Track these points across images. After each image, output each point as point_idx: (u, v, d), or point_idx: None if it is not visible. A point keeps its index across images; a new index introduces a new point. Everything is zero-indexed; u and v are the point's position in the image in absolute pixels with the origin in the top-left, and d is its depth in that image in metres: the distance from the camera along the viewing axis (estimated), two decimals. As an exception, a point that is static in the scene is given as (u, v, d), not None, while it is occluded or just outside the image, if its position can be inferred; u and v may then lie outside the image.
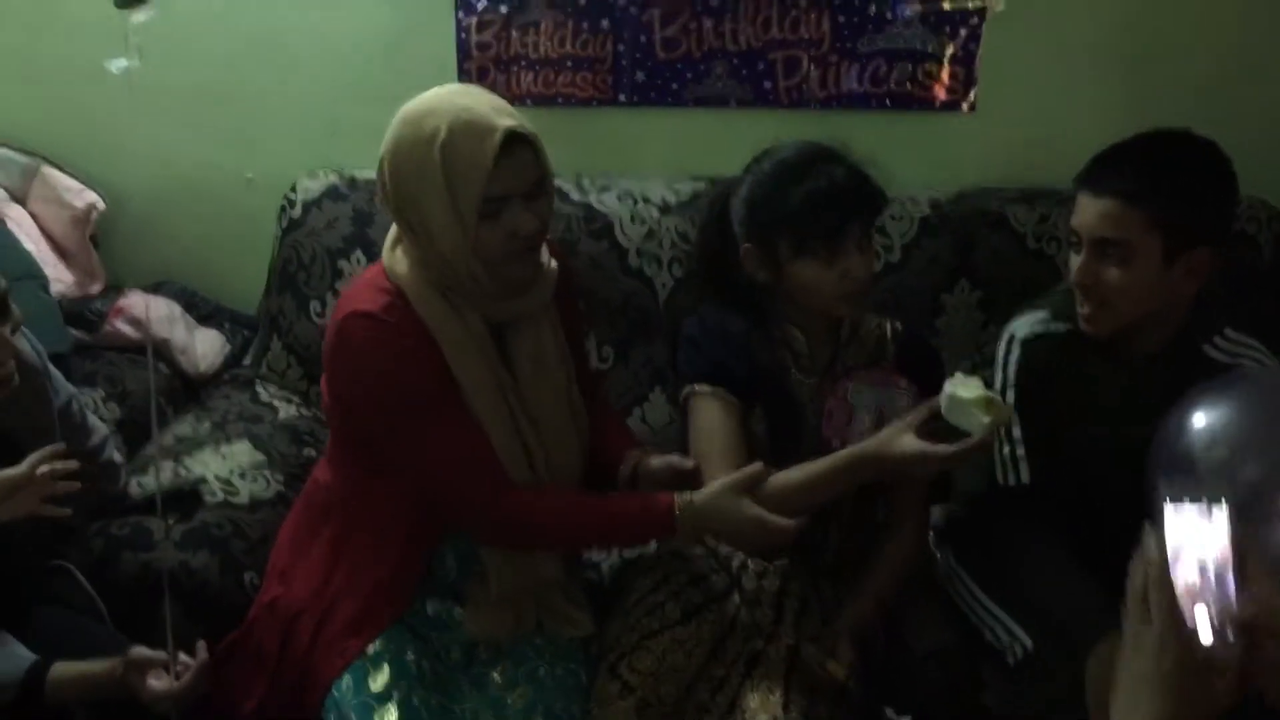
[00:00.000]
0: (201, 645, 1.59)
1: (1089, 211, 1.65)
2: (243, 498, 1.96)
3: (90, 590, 1.74)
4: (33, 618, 1.66)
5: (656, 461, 1.72)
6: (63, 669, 1.54)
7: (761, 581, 1.81)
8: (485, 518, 1.64)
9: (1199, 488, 1.40)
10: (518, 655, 1.71)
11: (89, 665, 1.56)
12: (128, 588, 1.76)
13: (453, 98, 1.57)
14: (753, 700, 1.66)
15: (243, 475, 2.02)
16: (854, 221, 1.67)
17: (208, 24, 2.43)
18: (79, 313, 2.31)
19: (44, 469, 1.50)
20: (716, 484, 1.61)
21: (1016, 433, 1.75)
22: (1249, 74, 2.42)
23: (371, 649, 1.64)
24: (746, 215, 1.74)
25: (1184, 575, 1.11)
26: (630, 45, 2.43)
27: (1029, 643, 1.73)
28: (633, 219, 2.32)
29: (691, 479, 1.67)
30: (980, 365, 2.18)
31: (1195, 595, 1.07)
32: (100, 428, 1.79)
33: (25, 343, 1.61)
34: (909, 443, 1.59)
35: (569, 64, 2.45)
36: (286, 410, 2.28)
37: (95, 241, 2.47)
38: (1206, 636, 1.06)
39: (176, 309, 2.42)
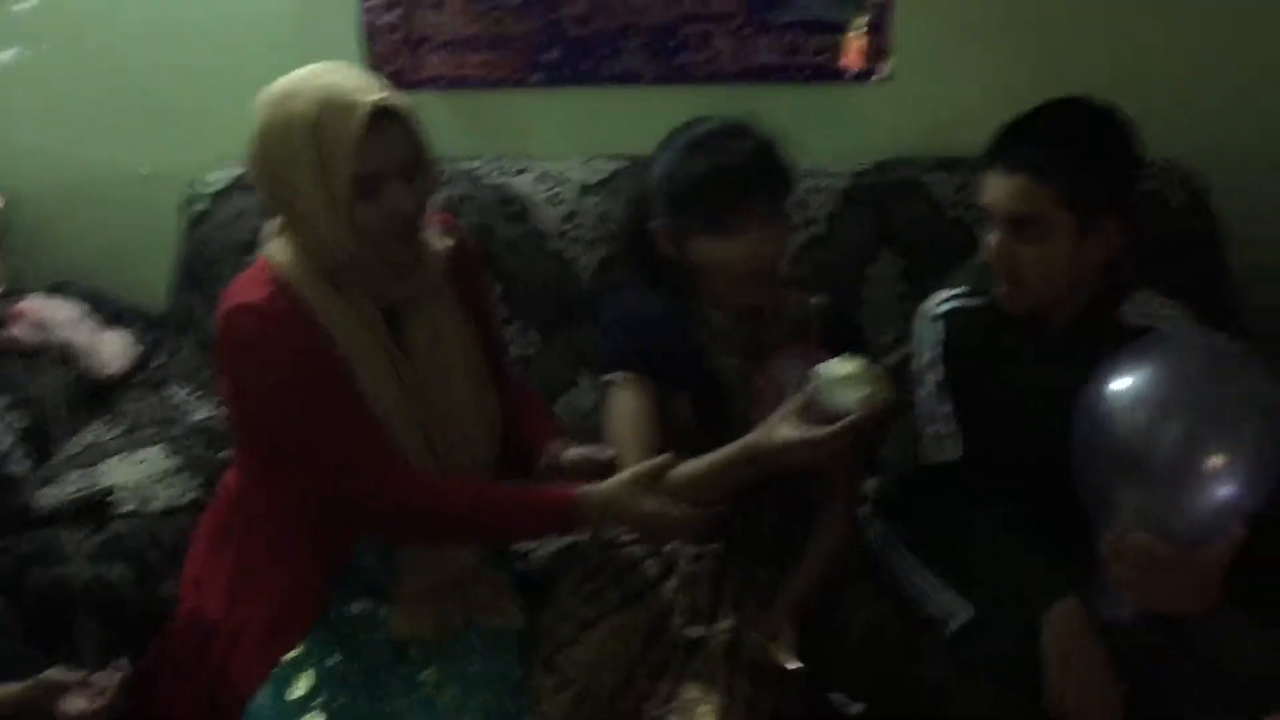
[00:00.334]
0: (122, 662, 1.54)
1: (999, 190, 1.64)
2: (157, 505, 1.90)
3: (-1, 608, 1.68)
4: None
5: (574, 452, 1.69)
6: None
7: (697, 565, 1.79)
8: (379, 511, 1.60)
9: (1122, 454, 1.42)
10: (449, 652, 1.67)
11: (2, 689, 1.49)
12: (38, 604, 1.69)
13: (316, 77, 1.52)
14: (695, 689, 1.65)
15: (157, 482, 1.95)
16: (755, 200, 1.64)
17: (99, 12, 2.34)
18: (-25, 320, 2.23)
19: None
20: (620, 475, 1.59)
21: (943, 409, 1.75)
22: (1156, 35, 2.44)
23: (291, 655, 1.59)
24: (656, 191, 1.72)
25: None
26: (541, 24, 2.39)
27: (970, 610, 1.73)
28: (551, 201, 2.28)
29: (609, 470, 1.63)
30: (904, 339, 2.19)
31: None
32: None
33: None
34: (786, 431, 1.55)
35: (479, 44, 2.40)
36: (201, 412, 2.21)
37: (-8, 244, 2.38)
38: None
39: (79, 311, 2.33)
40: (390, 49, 2.39)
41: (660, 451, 1.62)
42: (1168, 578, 1.40)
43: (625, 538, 1.83)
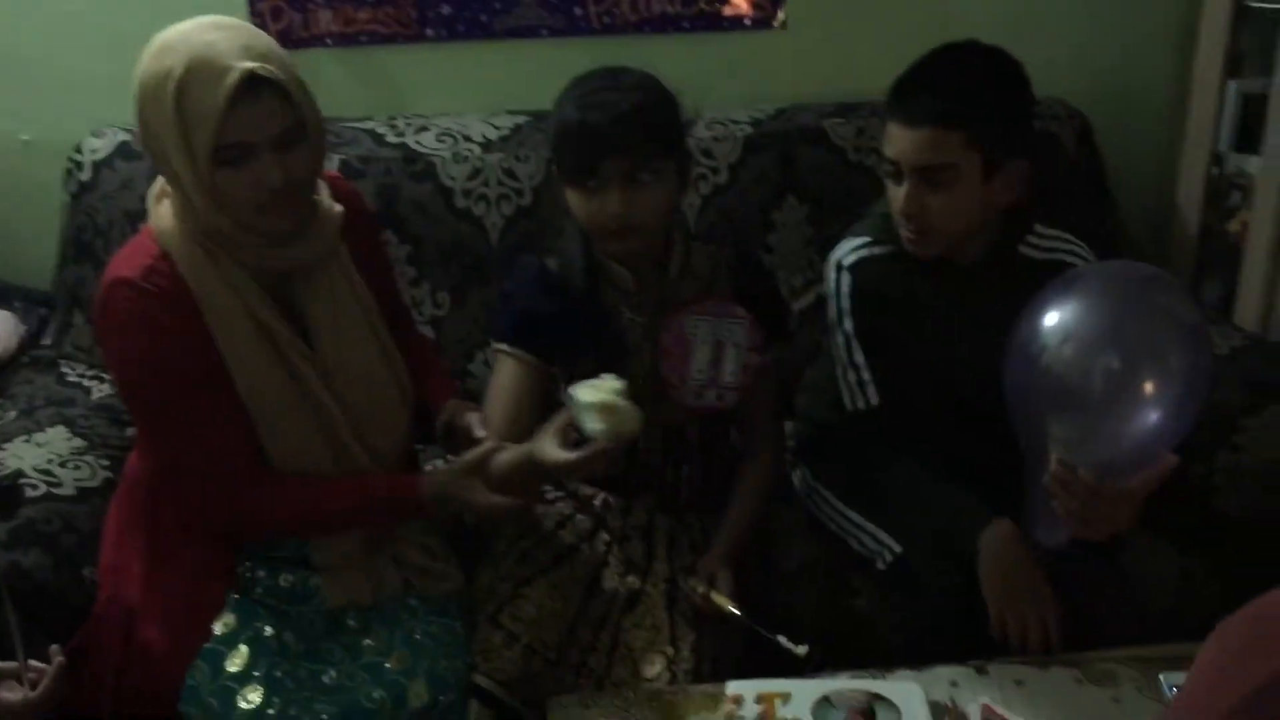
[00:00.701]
0: (55, 649, 1.47)
1: (906, 141, 1.64)
2: (68, 488, 1.81)
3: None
4: None
5: (465, 419, 1.67)
6: None
7: (627, 518, 1.80)
8: (223, 512, 1.58)
9: (1055, 388, 1.46)
10: (388, 618, 1.64)
11: None
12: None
13: (199, 32, 1.44)
14: (639, 639, 1.66)
15: (63, 464, 1.86)
16: (616, 157, 1.60)
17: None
18: None
19: None
20: (454, 464, 1.59)
21: (859, 358, 1.79)
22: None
23: (221, 629, 1.56)
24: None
25: None
26: (430, -23, 2.34)
27: (897, 547, 1.78)
28: (455, 158, 2.24)
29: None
30: (814, 282, 2.23)
31: None
32: None
33: None
34: (549, 448, 1.51)
35: (367, -1, 2.34)
36: (99, 389, 2.11)
37: None
38: None
39: (-45, 292, 2.21)
40: (276, 6, 2.30)
41: (529, 426, 1.59)
42: (1104, 507, 1.46)
43: (552, 495, 1.83)
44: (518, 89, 2.37)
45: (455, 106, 2.35)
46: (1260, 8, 2.35)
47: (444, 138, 2.26)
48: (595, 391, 1.48)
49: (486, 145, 2.26)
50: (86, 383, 2.14)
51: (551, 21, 2.39)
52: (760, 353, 1.76)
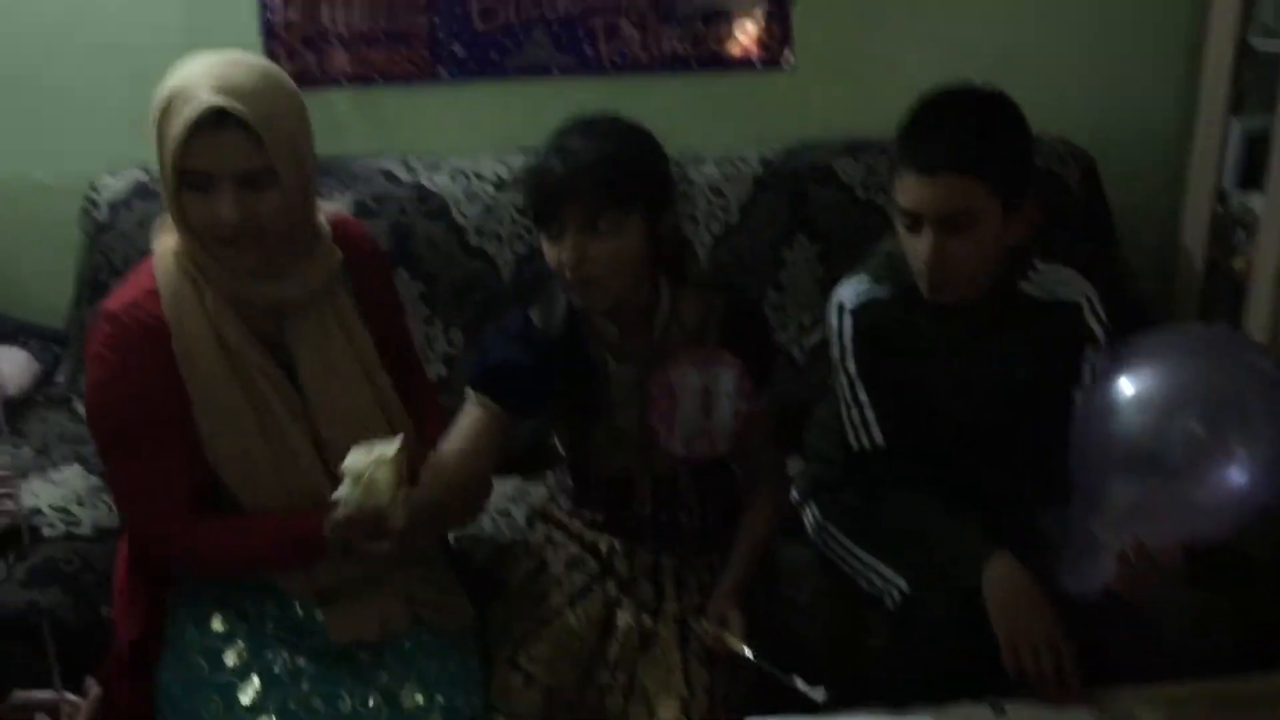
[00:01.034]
0: (90, 681, 1.47)
1: (927, 192, 1.63)
2: (86, 527, 1.82)
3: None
4: None
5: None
6: None
7: (633, 560, 1.81)
8: (159, 549, 1.61)
9: (1130, 451, 1.45)
10: (402, 654, 1.65)
11: None
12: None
13: (198, 64, 1.50)
14: (653, 680, 1.67)
15: (80, 502, 1.87)
16: (565, 205, 1.58)
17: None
18: None
19: None
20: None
21: (863, 397, 1.79)
22: (1041, 16, 2.55)
23: (234, 661, 1.57)
24: None
25: None
26: (446, 17, 2.37)
27: (905, 585, 1.78)
28: (468, 197, 2.26)
29: None
30: (814, 326, 2.24)
31: None
32: None
33: None
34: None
35: (383, 39, 2.37)
36: (114, 427, 2.13)
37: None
38: None
39: (-29, 331, 2.23)
40: (292, 46, 2.33)
41: (483, 470, 1.66)
42: (1162, 576, 1.47)
43: (558, 537, 1.84)
44: (530, 128, 2.33)
45: (468, 145, 2.37)
46: (1263, 47, 2.38)
47: (456, 176, 2.29)
48: (361, 457, 1.44)
49: (499, 184, 2.29)
50: (100, 421, 2.15)
51: (563, 61, 2.42)
52: (751, 400, 1.74)
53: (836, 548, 1.91)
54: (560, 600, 1.74)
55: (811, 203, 2.35)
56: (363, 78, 2.38)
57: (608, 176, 1.58)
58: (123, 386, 1.53)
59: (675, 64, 2.45)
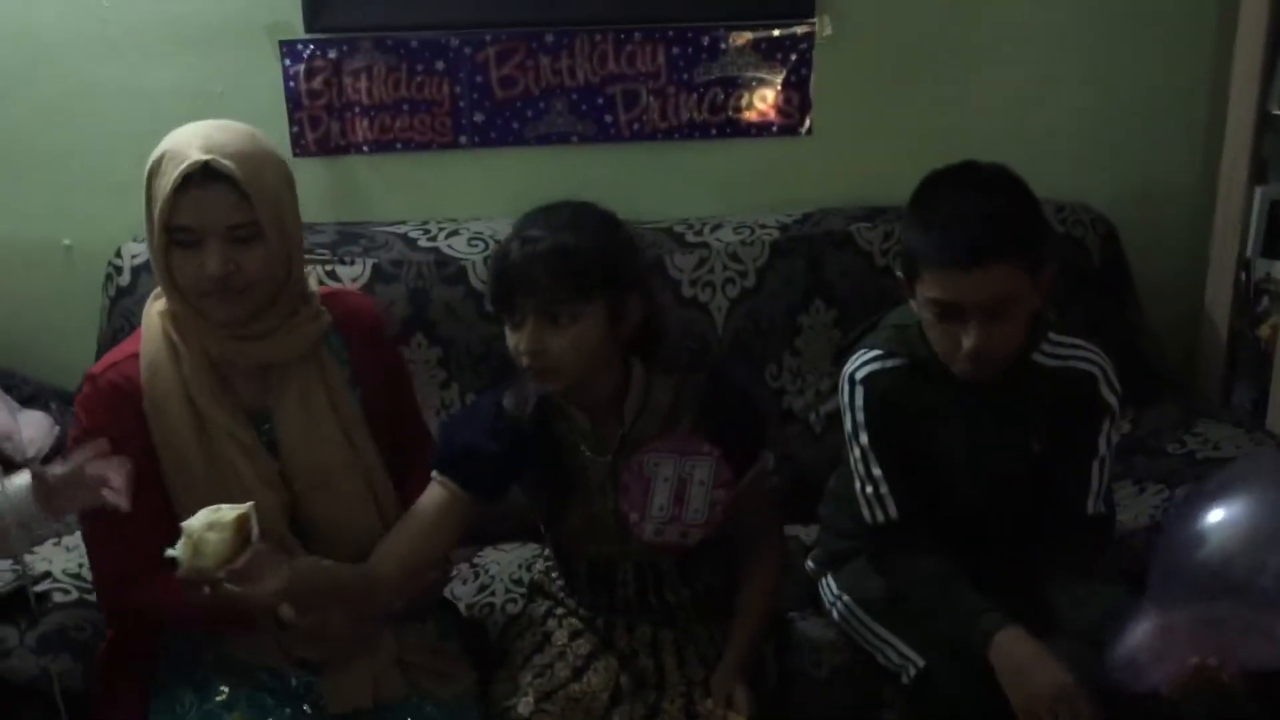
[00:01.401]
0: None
1: (970, 285, 1.61)
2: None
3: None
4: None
5: None
6: None
7: (632, 635, 1.79)
8: (117, 603, 1.65)
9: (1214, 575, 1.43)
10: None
11: None
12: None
13: (186, 129, 1.58)
14: None
15: (93, 567, 1.87)
16: (520, 295, 1.58)
17: (18, 81, 2.28)
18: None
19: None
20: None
21: (877, 471, 1.77)
22: (1060, 84, 2.55)
23: None
24: None
25: None
26: (467, 86, 2.39)
27: (921, 662, 1.76)
28: (486, 263, 2.26)
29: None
30: (830, 393, 2.22)
31: None
32: None
33: None
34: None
35: (405, 108, 2.39)
36: (131, 490, 2.13)
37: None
38: None
39: (-5, 393, 2.24)
40: (315, 115, 2.37)
41: (439, 551, 1.70)
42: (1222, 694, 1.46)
43: (559, 610, 1.83)
44: (549, 194, 2.34)
45: (487, 211, 2.38)
46: (1285, 115, 2.38)
47: (475, 241, 2.30)
48: (201, 518, 1.43)
49: (517, 250, 2.29)
50: (119, 484, 2.15)
51: (582, 129, 2.44)
52: (730, 488, 1.71)
53: (853, 621, 1.89)
54: (563, 675, 1.73)
55: (828, 268, 2.34)
56: (385, 145, 2.41)
57: (566, 268, 1.57)
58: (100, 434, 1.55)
59: (693, 131, 2.47)
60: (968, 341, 1.64)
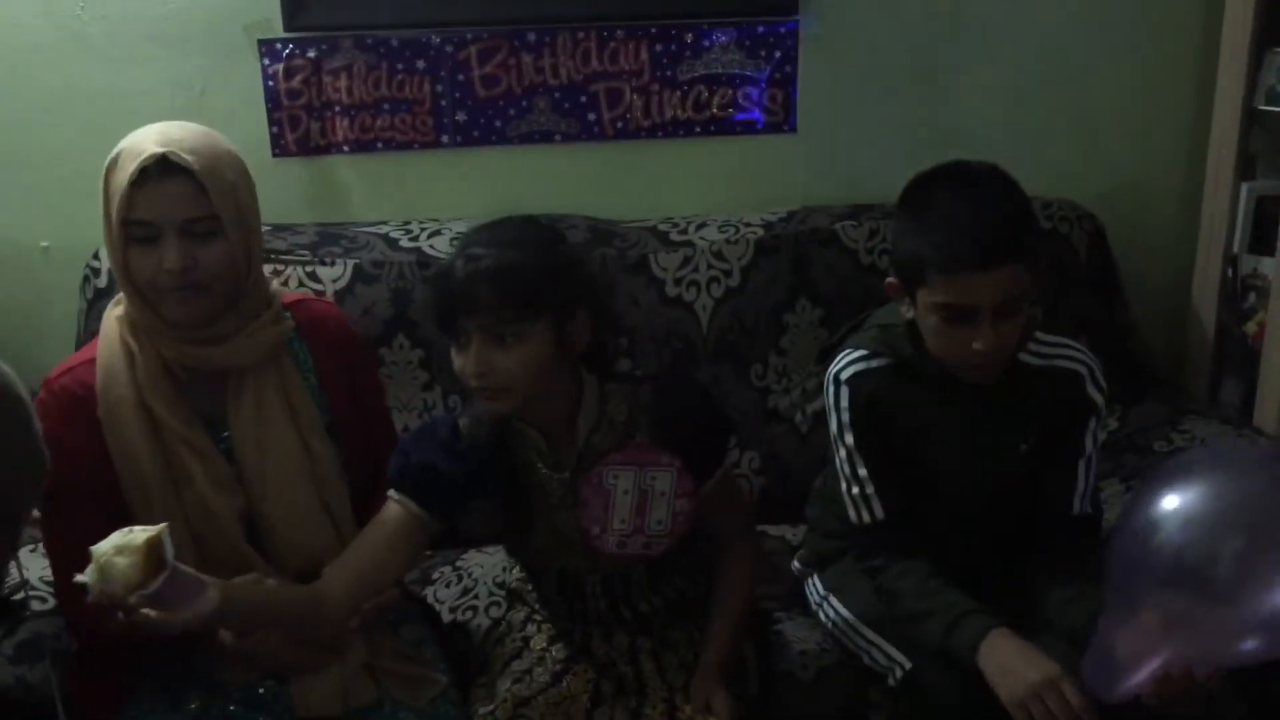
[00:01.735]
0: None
1: (985, 287, 1.60)
2: (76, 601, 1.80)
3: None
4: None
5: None
6: None
7: (610, 643, 1.77)
8: (69, 615, 1.64)
9: (1173, 567, 1.42)
10: None
11: None
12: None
13: (143, 129, 1.59)
14: None
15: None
16: (463, 314, 1.55)
17: (-3, 82, 2.26)
18: None
19: None
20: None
21: (862, 472, 1.77)
22: (1047, 82, 2.54)
23: None
24: None
25: None
26: (448, 85, 2.37)
27: (907, 663, 1.75)
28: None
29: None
30: (816, 392, 2.21)
31: None
32: None
33: None
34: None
35: (386, 107, 2.37)
36: (110, 496, 2.11)
37: None
38: None
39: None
40: (295, 114, 2.34)
41: (394, 570, 1.67)
42: (1200, 696, 1.44)
43: (537, 617, 1.82)
44: (532, 193, 2.39)
45: (470, 211, 2.36)
46: (1270, 111, 2.37)
47: (457, 242, 2.27)
48: (111, 541, 1.39)
49: (499, 250, 2.27)
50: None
51: (565, 128, 2.42)
52: (692, 497, 1.68)
53: (839, 622, 1.88)
54: (542, 680, 1.71)
55: (814, 267, 2.33)
56: (365, 145, 2.39)
57: (510, 286, 1.53)
58: (53, 446, 1.52)
59: (678, 129, 2.45)
60: (980, 343, 1.63)
